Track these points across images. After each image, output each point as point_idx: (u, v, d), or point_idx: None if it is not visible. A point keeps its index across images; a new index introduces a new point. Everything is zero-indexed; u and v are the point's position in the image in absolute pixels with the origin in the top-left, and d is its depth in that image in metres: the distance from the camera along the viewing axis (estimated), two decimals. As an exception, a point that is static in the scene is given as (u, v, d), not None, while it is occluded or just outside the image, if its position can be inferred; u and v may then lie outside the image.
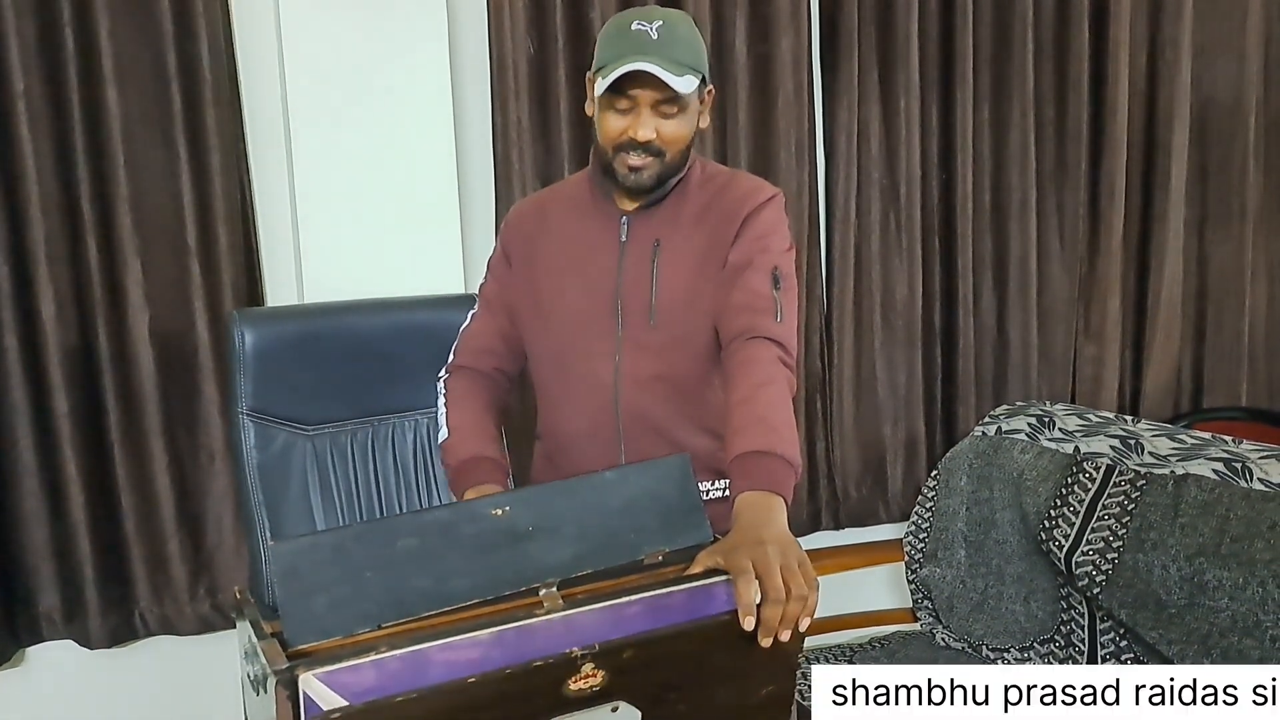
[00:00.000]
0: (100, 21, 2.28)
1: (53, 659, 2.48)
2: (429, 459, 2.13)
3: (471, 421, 1.77)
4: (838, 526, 3.13)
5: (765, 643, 1.16)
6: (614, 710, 1.15)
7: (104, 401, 2.40)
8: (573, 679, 1.10)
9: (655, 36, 1.57)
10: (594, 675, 1.11)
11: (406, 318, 2.15)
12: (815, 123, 2.97)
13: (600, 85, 1.60)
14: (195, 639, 2.53)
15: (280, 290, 2.59)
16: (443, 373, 1.86)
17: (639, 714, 1.16)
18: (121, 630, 2.47)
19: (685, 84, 1.58)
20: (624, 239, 1.73)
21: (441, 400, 1.80)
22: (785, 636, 1.16)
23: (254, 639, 1.13)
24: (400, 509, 2.09)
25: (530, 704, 1.10)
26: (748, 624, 1.14)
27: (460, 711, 1.06)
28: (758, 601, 1.15)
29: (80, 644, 2.45)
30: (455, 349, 1.87)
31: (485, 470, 1.69)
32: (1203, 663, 1.93)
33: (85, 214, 2.33)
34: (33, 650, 2.47)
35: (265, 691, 1.05)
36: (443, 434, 1.77)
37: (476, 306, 1.88)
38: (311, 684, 0.99)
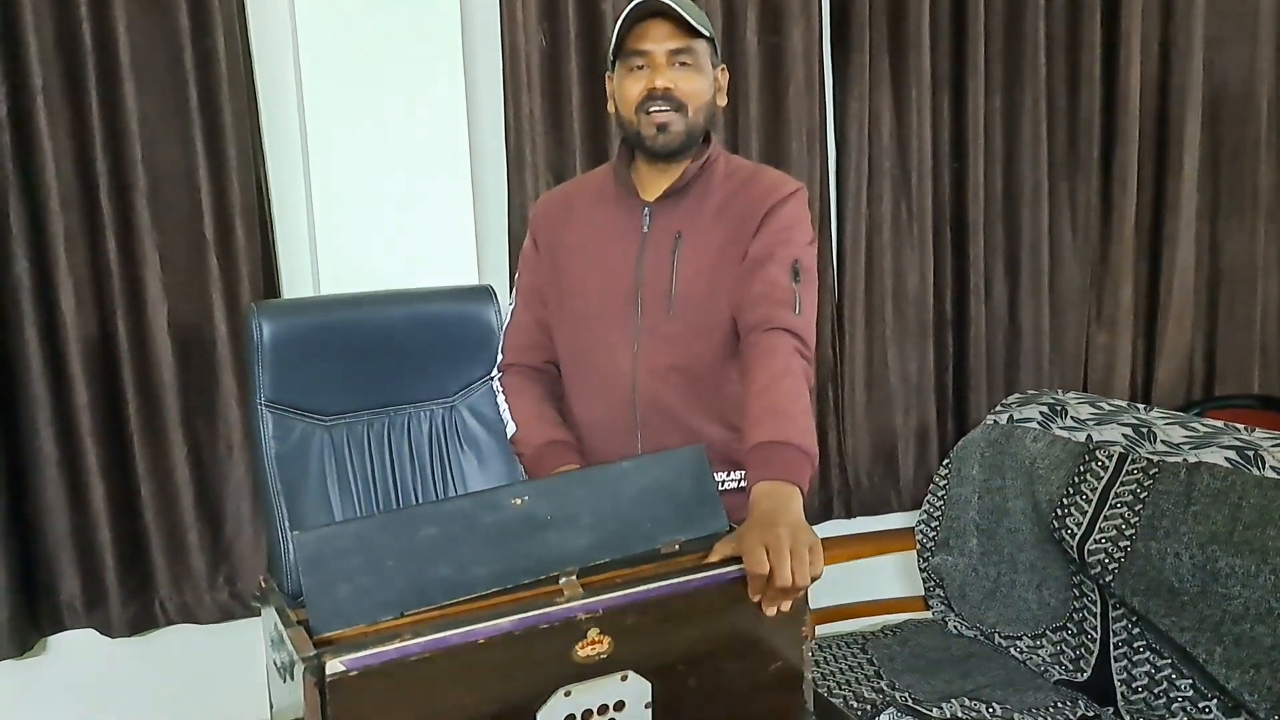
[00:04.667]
0: (118, 18, 2.29)
1: (74, 647, 2.51)
2: (444, 449, 2.14)
3: (535, 411, 1.82)
4: (849, 515, 3.14)
5: (769, 612, 1.21)
6: (623, 679, 1.17)
7: (123, 393, 2.42)
8: (580, 645, 1.13)
9: None
10: (600, 641, 1.14)
11: (422, 309, 2.16)
12: (826, 113, 2.97)
13: (616, 35, 1.66)
14: (215, 627, 2.55)
15: (296, 282, 2.61)
16: (495, 372, 1.92)
17: (649, 685, 1.19)
18: (142, 619, 2.50)
19: (699, 24, 1.63)
20: (646, 230, 1.75)
21: (501, 399, 1.86)
22: (785, 607, 1.22)
23: (280, 627, 1.16)
24: (416, 498, 2.10)
25: (541, 671, 1.13)
26: (754, 598, 1.21)
27: (472, 678, 1.09)
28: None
29: (101, 632, 2.47)
30: (502, 348, 1.92)
31: (559, 453, 1.74)
32: (1215, 650, 1.94)
33: (104, 208, 2.35)
34: (54, 639, 2.50)
35: (293, 678, 1.07)
36: (510, 429, 1.83)
37: (514, 301, 1.91)
38: (338, 670, 1.01)
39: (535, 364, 1.88)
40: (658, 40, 1.64)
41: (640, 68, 1.67)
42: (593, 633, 1.13)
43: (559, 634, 1.12)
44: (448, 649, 1.07)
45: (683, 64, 1.66)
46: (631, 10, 1.63)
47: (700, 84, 1.69)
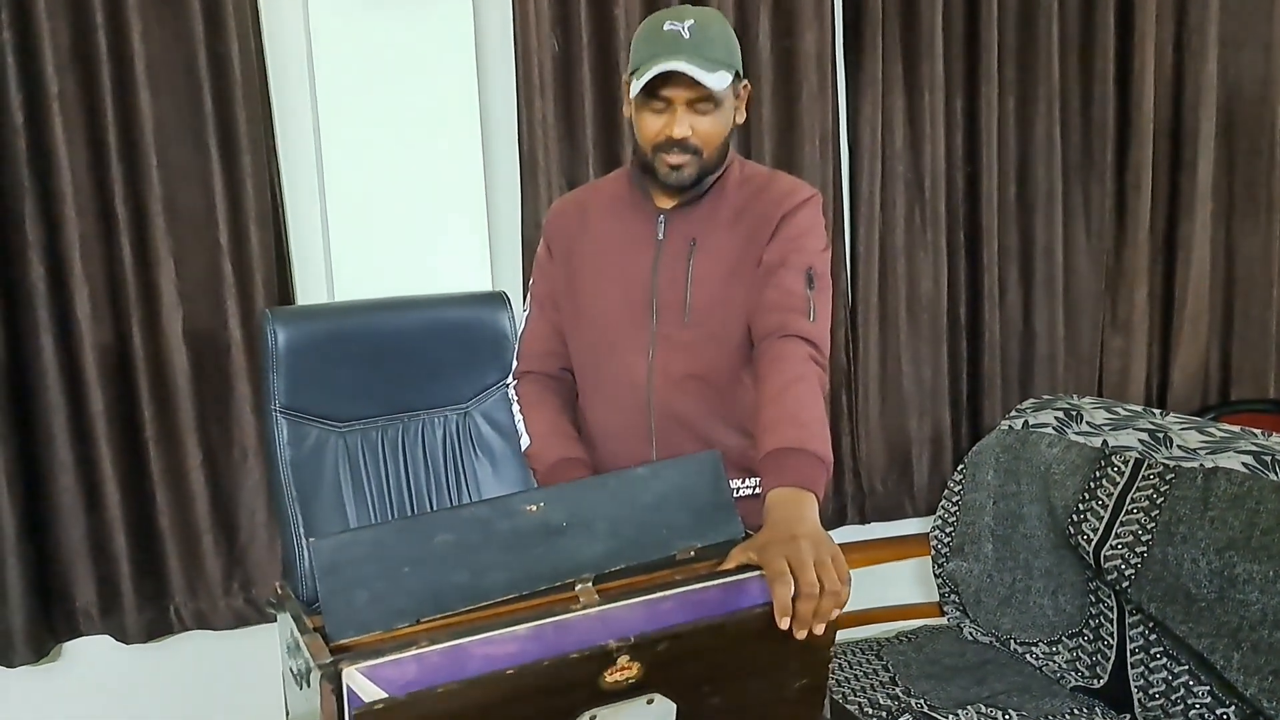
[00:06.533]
0: (133, 25, 2.30)
1: (89, 654, 2.52)
2: (458, 455, 2.15)
3: (550, 426, 1.81)
4: (864, 521, 3.13)
5: (800, 635, 1.18)
6: (649, 703, 1.16)
7: (139, 399, 2.43)
8: (609, 671, 1.12)
9: (687, 36, 1.58)
10: (630, 668, 1.13)
11: (435, 315, 2.17)
12: (839, 117, 2.97)
13: (635, 86, 1.62)
14: (230, 634, 2.55)
15: (311, 288, 2.61)
16: (511, 379, 1.91)
17: (674, 707, 1.18)
18: (157, 625, 2.50)
19: (718, 80, 1.59)
20: (661, 237, 1.74)
21: (516, 407, 1.86)
22: (820, 630, 1.18)
23: (296, 634, 1.15)
24: (430, 504, 2.11)
25: (567, 696, 1.12)
26: (784, 623, 1.16)
27: (499, 703, 1.08)
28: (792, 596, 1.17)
29: (116, 639, 2.48)
30: (518, 354, 1.91)
31: (572, 470, 1.74)
32: (1232, 656, 1.93)
33: (119, 214, 2.36)
34: (69, 645, 2.50)
35: (309, 685, 1.07)
36: (524, 441, 1.82)
37: (529, 308, 1.91)
38: (355, 678, 1.01)
39: (551, 371, 1.88)
40: (678, 87, 1.61)
41: (659, 110, 1.64)
42: (622, 660, 1.12)
43: (588, 662, 1.11)
44: (475, 680, 1.06)
45: (702, 110, 1.64)
46: (652, 67, 1.58)
47: (719, 124, 1.66)
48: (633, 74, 1.64)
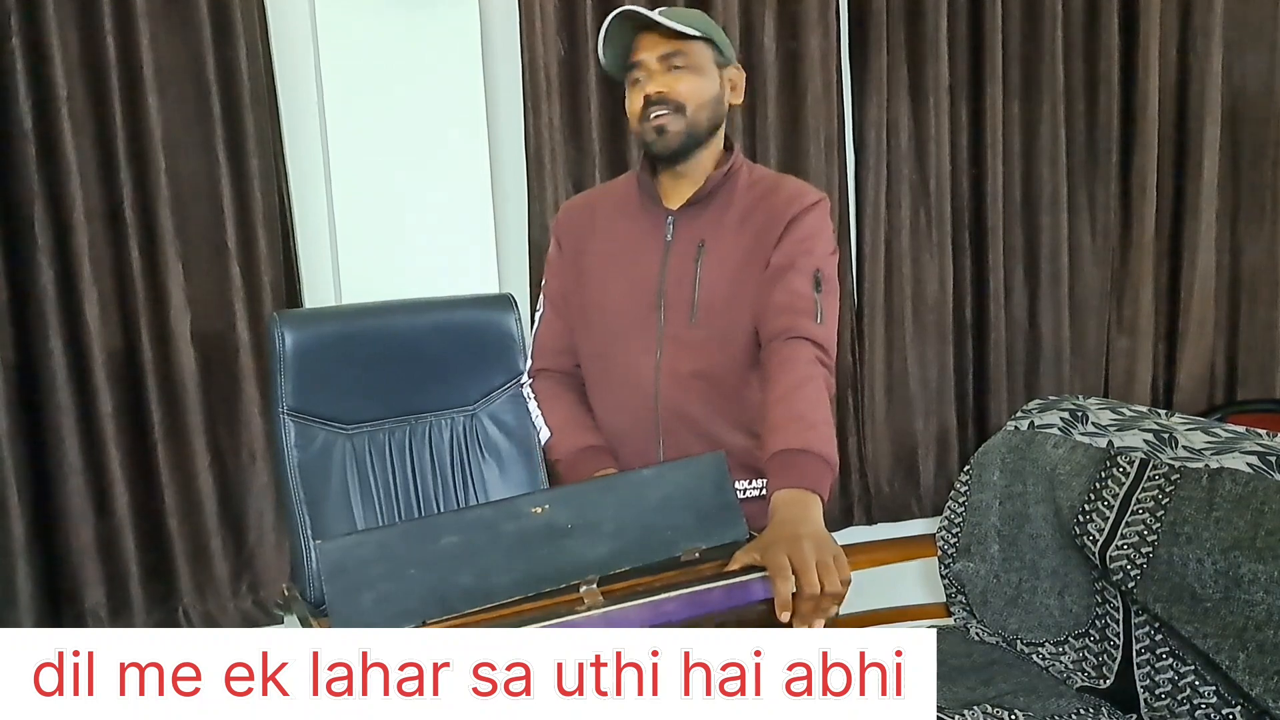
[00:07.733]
0: (141, 29, 2.32)
1: (98, 655, 2.52)
2: (465, 457, 2.15)
3: (569, 417, 1.83)
4: (870, 521, 3.13)
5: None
6: None
7: (147, 401, 2.44)
8: None
9: (649, 6, 1.69)
10: None
11: (443, 317, 2.17)
12: (845, 119, 2.98)
13: (601, 50, 1.70)
14: (238, 635, 2.56)
15: (318, 291, 2.62)
16: (525, 378, 1.93)
17: None
18: (165, 627, 2.51)
19: (680, 27, 1.65)
20: (669, 238, 1.75)
21: (533, 404, 1.88)
22: (819, 627, 1.20)
23: (304, 635, 1.16)
24: (438, 507, 2.11)
25: None
26: (784, 617, 1.18)
27: None
28: (792, 593, 1.18)
29: (125, 640, 2.49)
30: (532, 353, 1.93)
31: (595, 458, 1.75)
32: (1238, 657, 1.93)
33: (128, 218, 2.37)
34: (79, 646, 2.51)
35: (316, 686, 1.08)
36: (544, 434, 1.84)
37: (542, 306, 1.92)
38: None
39: (566, 368, 1.89)
40: (649, 49, 1.68)
41: (638, 80, 1.70)
42: None
43: None
44: None
45: (675, 67, 1.68)
46: (611, 25, 1.66)
47: (697, 84, 1.70)
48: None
